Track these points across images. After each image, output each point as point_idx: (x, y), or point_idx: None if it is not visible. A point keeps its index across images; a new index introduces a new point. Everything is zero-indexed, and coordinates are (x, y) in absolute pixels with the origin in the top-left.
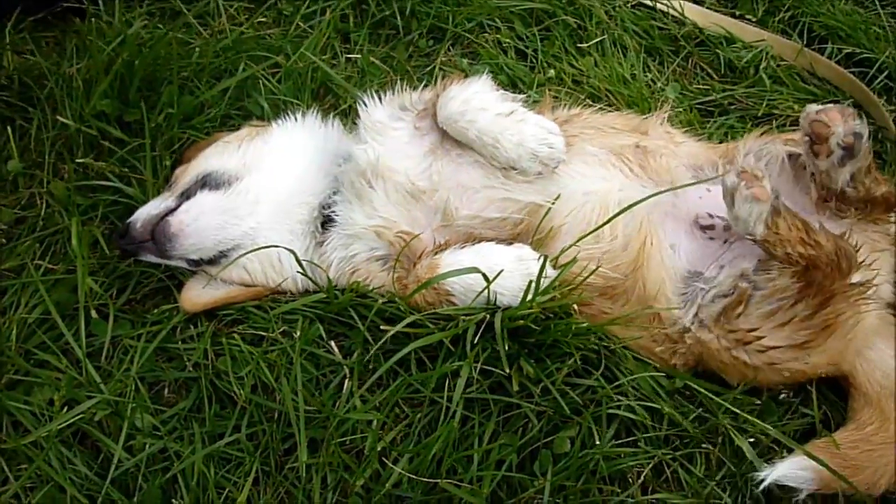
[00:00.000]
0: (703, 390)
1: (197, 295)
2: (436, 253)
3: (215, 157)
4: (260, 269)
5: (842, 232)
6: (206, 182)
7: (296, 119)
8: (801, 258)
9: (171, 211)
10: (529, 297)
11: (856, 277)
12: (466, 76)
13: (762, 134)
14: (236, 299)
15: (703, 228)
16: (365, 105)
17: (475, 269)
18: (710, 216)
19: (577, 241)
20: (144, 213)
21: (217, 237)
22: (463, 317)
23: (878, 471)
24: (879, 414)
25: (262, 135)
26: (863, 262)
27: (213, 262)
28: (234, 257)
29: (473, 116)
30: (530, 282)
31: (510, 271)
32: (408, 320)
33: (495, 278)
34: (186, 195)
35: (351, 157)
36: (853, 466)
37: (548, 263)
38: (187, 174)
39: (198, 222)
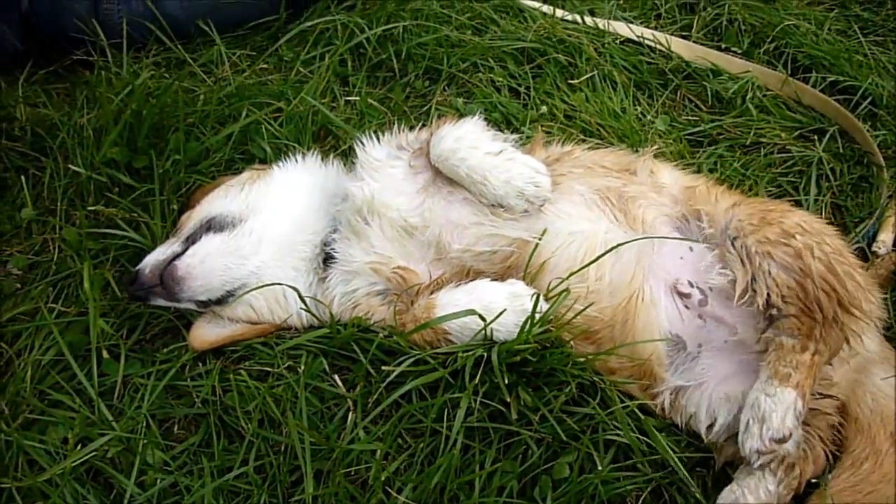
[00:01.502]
0: None
1: (205, 333)
2: (432, 292)
3: (219, 200)
4: (266, 306)
5: None
6: (212, 225)
7: (296, 161)
8: None
9: (178, 255)
10: (526, 329)
11: None
12: (461, 115)
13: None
14: (243, 336)
15: (681, 296)
16: (363, 145)
17: (471, 312)
18: (691, 284)
19: (567, 277)
20: (152, 260)
21: (223, 277)
22: (461, 353)
23: None
24: (871, 445)
25: (264, 177)
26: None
27: (220, 301)
28: (240, 295)
29: (464, 154)
30: (527, 317)
31: (505, 308)
32: (409, 360)
33: (494, 320)
34: (192, 239)
35: (347, 195)
36: None
37: (540, 298)
38: (192, 219)
39: (204, 264)
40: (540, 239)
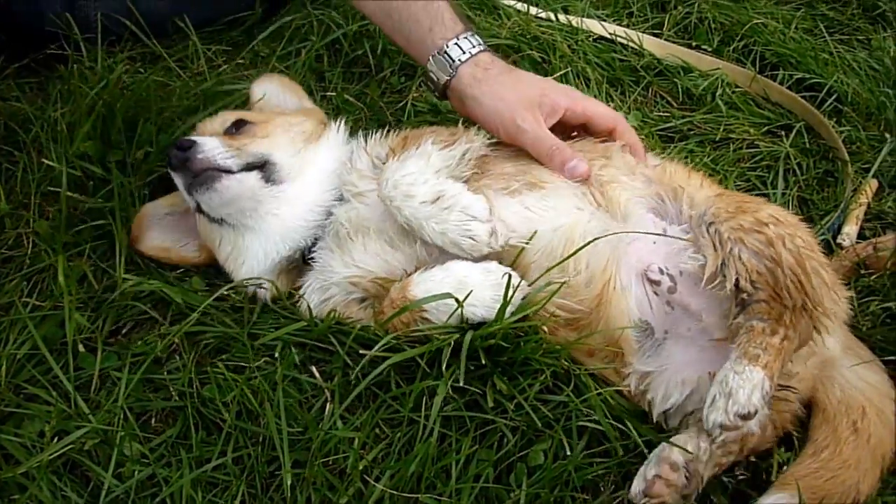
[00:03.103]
0: None
1: (153, 237)
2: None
3: (285, 146)
4: (231, 252)
5: None
6: (265, 167)
7: (338, 130)
8: None
9: (228, 172)
10: (499, 308)
11: None
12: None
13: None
14: (180, 261)
15: (651, 282)
16: (350, 165)
17: (448, 295)
18: (661, 271)
19: (547, 271)
20: (210, 154)
21: (237, 208)
22: (437, 334)
23: (845, 493)
24: (833, 433)
25: (318, 139)
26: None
27: (213, 220)
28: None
29: (399, 203)
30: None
31: (480, 284)
32: (384, 342)
33: (467, 297)
34: (248, 167)
35: (332, 213)
36: (823, 495)
37: (516, 276)
38: (262, 143)
39: (235, 196)
40: (528, 243)
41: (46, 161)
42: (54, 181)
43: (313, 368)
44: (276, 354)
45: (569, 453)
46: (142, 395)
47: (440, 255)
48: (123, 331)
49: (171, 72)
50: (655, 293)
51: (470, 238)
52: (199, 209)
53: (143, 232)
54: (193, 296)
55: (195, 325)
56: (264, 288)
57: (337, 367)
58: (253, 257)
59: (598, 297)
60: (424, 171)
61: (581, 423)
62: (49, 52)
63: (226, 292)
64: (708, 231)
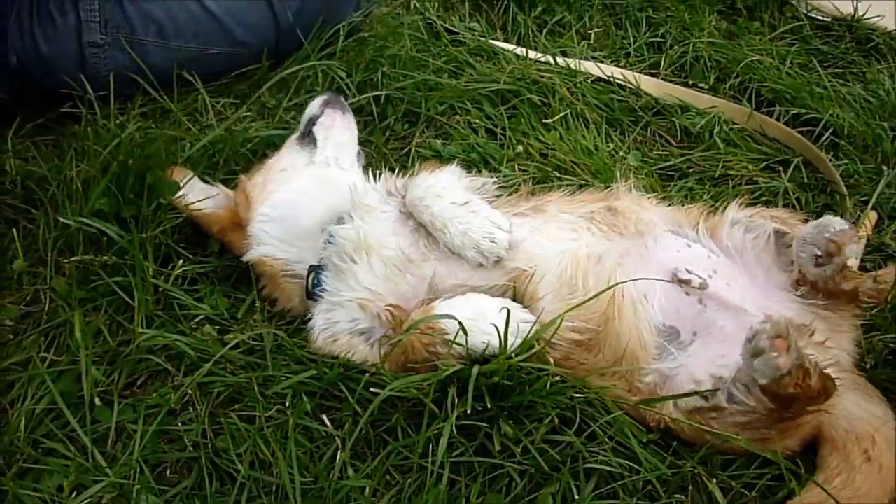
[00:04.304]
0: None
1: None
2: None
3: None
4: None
5: (811, 318)
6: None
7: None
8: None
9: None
10: (505, 345)
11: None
12: (441, 158)
13: (746, 205)
14: (195, 212)
15: (680, 282)
16: (355, 187)
17: (472, 318)
18: (689, 271)
19: (566, 312)
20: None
21: (340, 133)
22: (443, 370)
23: None
24: (845, 461)
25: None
26: (824, 341)
27: (305, 136)
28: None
29: (430, 202)
30: (514, 333)
31: (499, 316)
32: (396, 384)
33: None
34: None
35: (334, 237)
36: None
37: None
38: None
39: (349, 122)
40: (534, 268)
41: (62, 219)
42: (70, 238)
43: (324, 417)
44: (287, 402)
45: (576, 496)
46: (157, 447)
47: (452, 272)
48: (138, 383)
49: (180, 125)
50: (686, 293)
51: (491, 241)
52: (310, 121)
53: (178, 174)
54: (206, 344)
55: (207, 375)
56: None
57: (348, 415)
58: (298, 189)
59: (606, 313)
60: (455, 184)
61: (588, 466)
62: (63, 110)
63: (239, 338)
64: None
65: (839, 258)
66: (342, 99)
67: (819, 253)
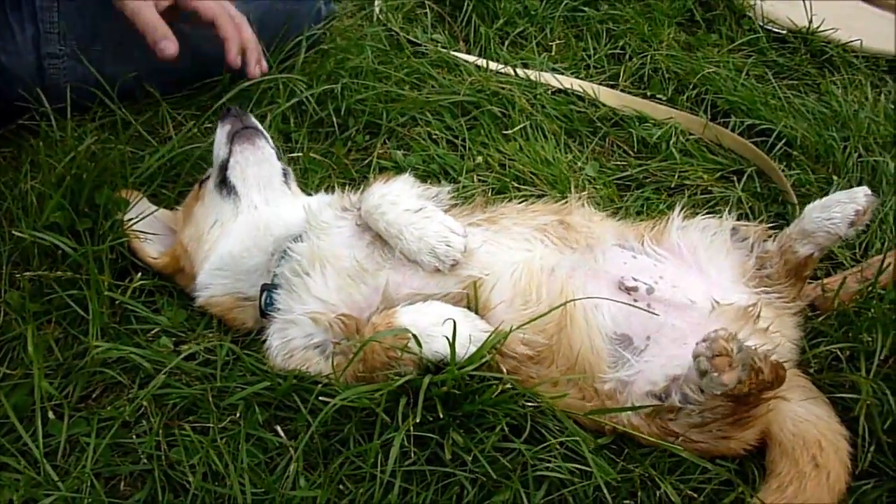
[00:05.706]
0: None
1: (147, 249)
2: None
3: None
4: (211, 236)
5: (754, 302)
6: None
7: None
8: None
9: (267, 141)
10: (454, 354)
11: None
12: (400, 169)
13: (694, 215)
14: (136, 247)
15: (628, 290)
16: (309, 207)
17: (438, 324)
18: (634, 279)
19: (521, 325)
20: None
21: (260, 171)
22: (392, 379)
23: None
24: (795, 468)
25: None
26: (768, 328)
27: (222, 184)
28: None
29: (385, 209)
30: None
31: (461, 322)
32: (346, 395)
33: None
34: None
35: (287, 253)
36: None
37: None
38: None
39: (268, 156)
40: (488, 275)
41: (17, 232)
42: (25, 251)
43: (278, 428)
44: (239, 413)
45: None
46: (110, 460)
47: (406, 280)
48: (93, 395)
49: (140, 138)
50: (635, 300)
51: (447, 245)
52: (223, 167)
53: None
54: (161, 356)
55: (162, 387)
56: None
57: (301, 425)
58: (236, 241)
59: (559, 322)
60: (409, 192)
61: (538, 473)
62: (21, 122)
63: (194, 349)
64: None
65: (866, 217)
66: (246, 116)
67: (860, 208)
